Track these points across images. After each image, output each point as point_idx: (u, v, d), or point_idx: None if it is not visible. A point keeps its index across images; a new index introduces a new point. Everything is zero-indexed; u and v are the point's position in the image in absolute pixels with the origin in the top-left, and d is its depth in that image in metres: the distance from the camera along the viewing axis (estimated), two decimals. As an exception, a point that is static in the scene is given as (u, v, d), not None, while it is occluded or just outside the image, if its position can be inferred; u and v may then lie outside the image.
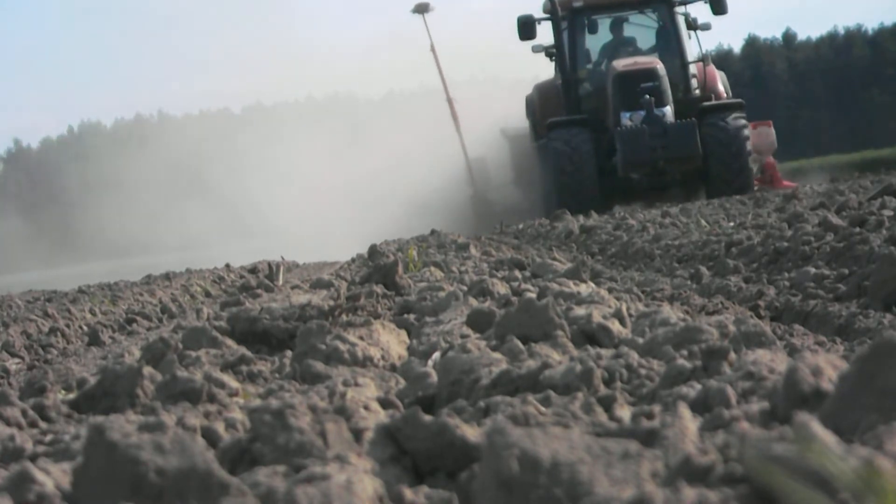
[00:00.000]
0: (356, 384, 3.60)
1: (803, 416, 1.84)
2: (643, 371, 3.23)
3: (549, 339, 3.94)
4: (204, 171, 60.30)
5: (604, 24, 27.12)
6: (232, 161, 59.83)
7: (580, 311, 4.34)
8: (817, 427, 1.80)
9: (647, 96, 24.41)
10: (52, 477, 2.33)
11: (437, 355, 4.05)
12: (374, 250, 13.54)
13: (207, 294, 15.70)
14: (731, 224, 13.10)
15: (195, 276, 18.40)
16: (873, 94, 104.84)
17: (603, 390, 3.04)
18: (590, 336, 4.09)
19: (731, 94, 27.20)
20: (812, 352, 3.73)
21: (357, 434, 2.53)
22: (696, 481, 1.84)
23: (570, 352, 3.80)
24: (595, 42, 27.20)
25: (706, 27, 26.53)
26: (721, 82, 26.94)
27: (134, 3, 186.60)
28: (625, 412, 2.75)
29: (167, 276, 19.15)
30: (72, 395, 3.97)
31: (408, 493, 2.19)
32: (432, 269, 9.41)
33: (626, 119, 24.68)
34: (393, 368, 4.25)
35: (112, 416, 3.46)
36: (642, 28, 27.22)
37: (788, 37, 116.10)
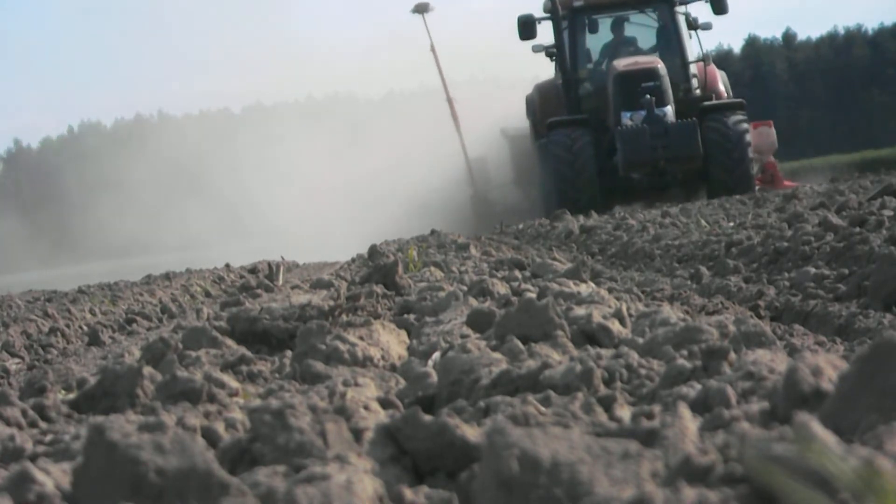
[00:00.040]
0: (356, 384, 3.60)
1: (803, 416, 1.84)
2: (643, 371, 3.23)
3: (549, 339, 3.94)
4: (204, 171, 60.32)
5: (604, 23, 27.10)
6: (232, 161, 59.90)
7: (580, 311, 4.34)
8: (817, 427, 1.80)
9: (648, 96, 24.40)
10: (52, 477, 2.33)
11: (437, 355, 4.05)
12: (374, 250, 13.55)
13: (207, 294, 15.71)
14: (731, 224, 13.10)
15: (195, 276, 18.40)
16: (873, 94, 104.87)
17: (603, 390, 3.04)
18: (590, 336, 4.09)
19: (731, 93, 27.19)
20: (812, 352, 3.73)
21: (357, 434, 2.53)
22: (696, 481, 1.84)
23: (570, 352, 3.80)
24: (596, 42, 27.19)
25: (707, 27, 26.51)
26: (722, 82, 26.93)
27: (134, 3, 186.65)
28: (625, 412, 2.75)
29: (167, 276, 19.16)
30: (72, 395, 3.97)
31: (408, 493, 2.19)
32: (432, 269, 9.41)
33: (627, 119, 24.66)
34: (393, 368, 4.25)
35: (112, 416, 3.46)
36: (643, 27, 27.20)
37: (788, 37, 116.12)
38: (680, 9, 26.49)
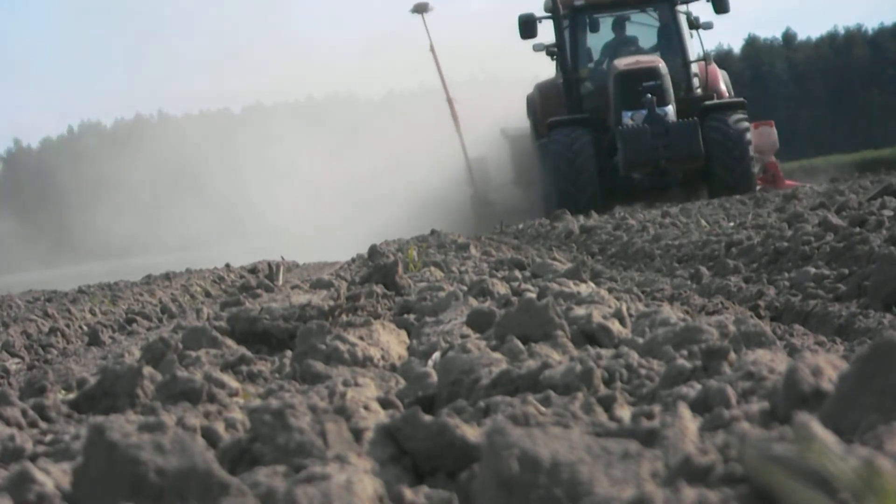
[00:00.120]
0: (356, 384, 3.60)
1: (803, 416, 1.84)
2: (643, 371, 3.23)
3: (549, 339, 3.94)
4: (204, 171, 60.36)
5: (605, 22, 27.10)
6: (232, 161, 59.95)
7: (580, 311, 4.34)
8: (817, 427, 1.80)
9: (649, 95, 24.39)
10: (52, 477, 2.33)
11: (437, 355, 4.05)
12: (374, 250, 13.54)
13: (207, 294, 15.71)
14: (731, 224, 13.10)
15: (195, 276, 18.40)
16: (873, 94, 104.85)
17: (603, 390, 3.03)
18: (590, 336, 4.09)
19: (732, 93, 27.18)
20: (812, 352, 3.73)
21: (357, 434, 2.53)
22: (696, 481, 1.84)
23: (570, 352, 3.79)
24: (596, 41, 27.18)
25: (708, 26, 26.49)
26: (723, 81, 26.92)
27: (134, 3, 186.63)
28: (625, 412, 2.75)
29: (167, 276, 19.15)
30: (72, 395, 3.97)
31: (408, 493, 2.19)
32: (432, 269, 9.41)
33: (628, 118, 24.65)
34: (393, 368, 4.24)
35: (112, 416, 3.46)
36: (644, 27, 27.19)
37: (788, 37, 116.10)
38: (681, 8, 26.47)
